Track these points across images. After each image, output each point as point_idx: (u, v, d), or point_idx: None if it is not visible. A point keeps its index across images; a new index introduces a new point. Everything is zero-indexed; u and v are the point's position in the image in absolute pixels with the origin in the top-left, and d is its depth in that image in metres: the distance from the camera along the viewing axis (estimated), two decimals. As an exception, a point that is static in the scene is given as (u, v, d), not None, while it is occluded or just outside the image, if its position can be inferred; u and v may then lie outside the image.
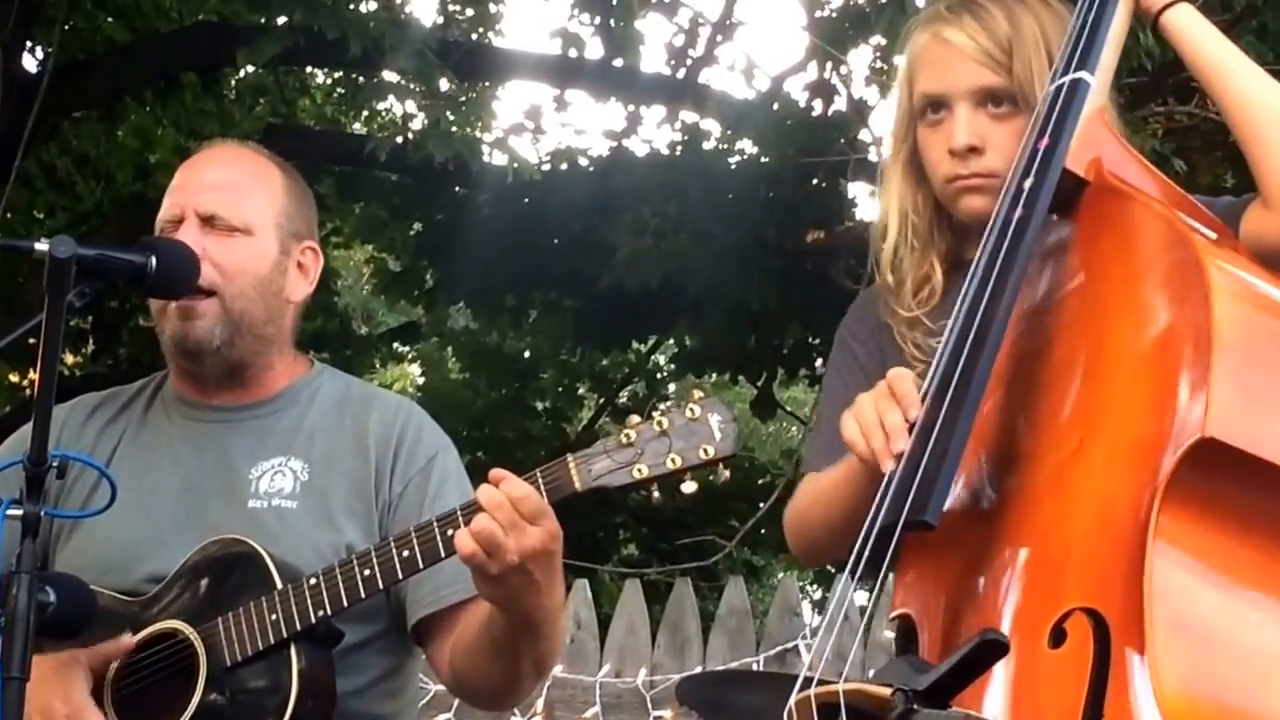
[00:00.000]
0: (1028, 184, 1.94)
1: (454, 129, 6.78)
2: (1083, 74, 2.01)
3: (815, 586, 13.23)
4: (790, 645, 4.60)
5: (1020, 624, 1.71)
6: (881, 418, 1.89)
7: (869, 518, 1.80)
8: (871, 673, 1.74)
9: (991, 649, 1.56)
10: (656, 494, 2.17)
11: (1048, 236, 1.97)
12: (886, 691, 1.58)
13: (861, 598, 3.62)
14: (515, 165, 6.71)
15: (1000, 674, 1.66)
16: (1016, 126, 2.13)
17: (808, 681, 1.72)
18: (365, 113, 10.31)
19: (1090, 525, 1.71)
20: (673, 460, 2.14)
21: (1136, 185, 1.94)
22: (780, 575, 11.29)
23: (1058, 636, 1.65)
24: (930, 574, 1.90)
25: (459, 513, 2.19)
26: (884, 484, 1.82)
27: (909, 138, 2.24)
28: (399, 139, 6.83)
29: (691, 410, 2.15)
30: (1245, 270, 1.79)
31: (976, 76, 2.15)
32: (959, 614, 1.82)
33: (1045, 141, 1.97)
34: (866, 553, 1.79)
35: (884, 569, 1.82)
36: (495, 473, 2.13)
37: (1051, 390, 1.86)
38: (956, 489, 1.84)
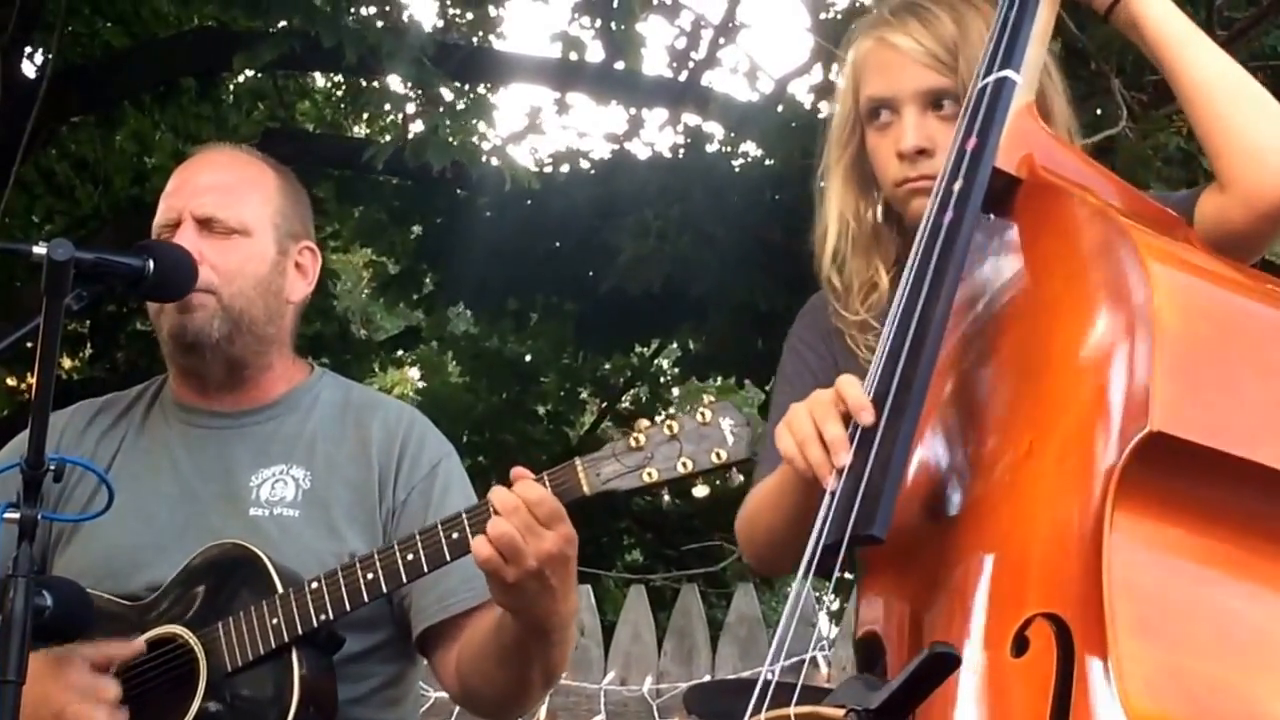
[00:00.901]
0: (957, 186, 1.91)
1: (451, 138, 6.74)
2: (1007, 72, 1.98)
3: (834, 597, 13.10)
4: (808, 656, 4.52)
5: (985, 634, 1.67)
6: (820, 428, 1.83)
7: (815, 532, 1.76)
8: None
9: (940, 663, 1.51)
10: (666, 497, 2.15)
11: (987, 237, 1.94)
12: (839, 713, 1.55)
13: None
14: (512, 174, 6.67)
15: (965, 687, 1.62)
16: None
17: (766, 685, 1.71)
18: (365, 115, 10.27)
19: (1048, 528, 1.67)
20: (684, 464, 2.11)
21: (1075, 179, 1.91)
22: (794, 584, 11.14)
23: (1020, 645, 1.60)
24: (893, 589, 1.85)
25: (464, 516, 2.17)
26: (827, 498, 1.78)
27: (851, 143, 2.24)
28: (398, 145, 6.79)
29: (703, 414, 2.13)
30: (1189, 259, 1.76)
31: (923, 79, 2.14)
32: (925, 628, 1.78)
33: (973, 142, 1.94)
34: (813, 568, 1.76)
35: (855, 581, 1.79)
36: (516, 471, 2.11)
37: (999, 393, 1.83)
38: (912, 500, 1.80)
